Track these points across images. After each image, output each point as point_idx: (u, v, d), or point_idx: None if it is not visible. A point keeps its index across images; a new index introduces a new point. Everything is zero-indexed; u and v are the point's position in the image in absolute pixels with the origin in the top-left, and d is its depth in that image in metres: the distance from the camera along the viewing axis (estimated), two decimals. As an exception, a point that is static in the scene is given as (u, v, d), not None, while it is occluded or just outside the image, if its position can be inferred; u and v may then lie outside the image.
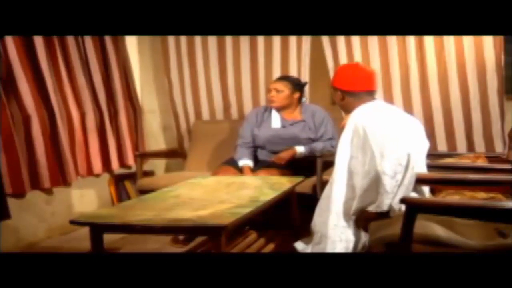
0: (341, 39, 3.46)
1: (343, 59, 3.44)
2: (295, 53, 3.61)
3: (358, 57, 3.42)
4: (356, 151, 2.09)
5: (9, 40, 2.86)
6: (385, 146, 1.97)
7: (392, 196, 1.94)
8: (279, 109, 3.15)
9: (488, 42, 3.15)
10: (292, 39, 3.63)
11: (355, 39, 3.42)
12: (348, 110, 2.30)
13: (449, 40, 3.24)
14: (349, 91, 2.27)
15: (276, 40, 3.66)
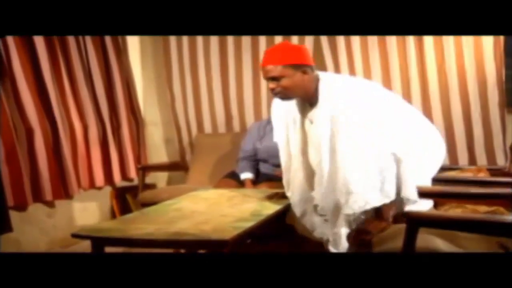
0: (341, 47, 3.47)
1: (344, 69, 3.46)
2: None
3: (359, 72, 3.44)
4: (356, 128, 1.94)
5: (13, 52, 2.88)
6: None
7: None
8: None
9: (489, 56, 3.17)
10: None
11: (356, 52, 3.44)
12: (306, 88, 2.07)
13: (450, 54, 3.26)
14: (309, 64, 2.07)
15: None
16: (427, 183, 2.02)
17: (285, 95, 2.09)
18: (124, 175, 3.75)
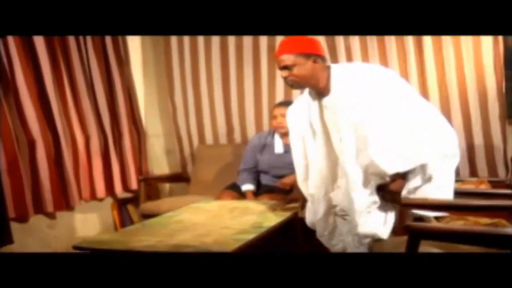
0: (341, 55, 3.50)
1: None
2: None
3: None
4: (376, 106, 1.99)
5: (16, 64, 2.90)
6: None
7: None
8: (286, 134, 3.15)
9: (489, 69, 3.19)
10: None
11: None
12: (317, 77, 2.11)
13: (450, 67, 3.28)
14: (321, 55, 2.12)
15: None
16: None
17: (297, 83, 2.14)
18: (126, 186, 3.75)
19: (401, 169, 2.01)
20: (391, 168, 1.99)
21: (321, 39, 3.51)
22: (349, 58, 3.48)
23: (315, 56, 2.10)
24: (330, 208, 2.26)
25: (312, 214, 2.29)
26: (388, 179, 2.04)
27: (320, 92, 2.16)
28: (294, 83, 2.14)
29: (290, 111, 2.36)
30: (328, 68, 2.14)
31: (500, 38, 3.17)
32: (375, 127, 2.00)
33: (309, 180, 2.29)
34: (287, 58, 2.08)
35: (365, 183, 2.05)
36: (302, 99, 2.29)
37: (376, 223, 2.08)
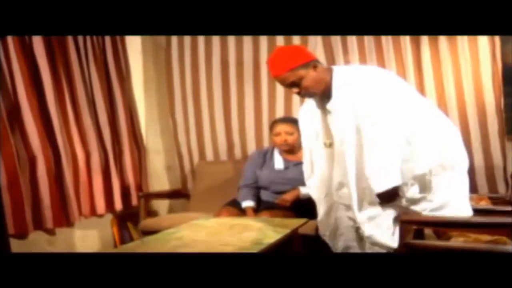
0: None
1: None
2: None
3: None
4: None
5: (19, 80, 2.92)
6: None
7: None
8: (288, 151, 3.16)
9: (488, 86, 3.21)
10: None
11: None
12: (324, 81, 2.13)
13: (449, 84, 3.30)
14: (314, 59, 2.14)
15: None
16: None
17: (311, 93, 2.16)
18: (126, 203, 3.75)
19: (389, 186, 2.01)
20: (380, 186, 2.01)
21: (318, 40, 3.57)
22: (346, 59, 3.52)
23: (311, 62, 2.11)
24: (330, 210, 2.28)
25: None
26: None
27: (322, 95, 2.17)
28: (308, 94, 2.16)
29: (301, 112, 2.40)
30: (331, 70, 2.16)
31: (499, 54, 3.20)
32: (372, 137, 2.01)
33: (311, 179, 2.32)
34: (290, 75, 2.08)
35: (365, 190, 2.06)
36: (311, 100, 2.31)
37: (385, 234, 2.07)
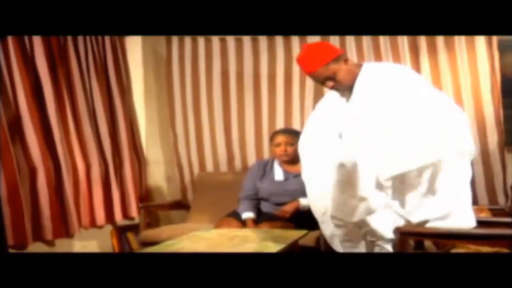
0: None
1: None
2: (298, 107, 3.70)
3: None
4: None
5: (20, 92, 2.93)
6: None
7: None
8: (288, 162, 3.16)
9: (487, 97, 3.23)
10: (296, 93, 3.72)
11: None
12: (351, 79, 2.15)
13: (449, 96, 3.31)
14: (343, 53, 2.18)
15: (280, 93, 3.77)
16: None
17: (344, 87, 2.17)
18: (125, 214, 3.74)
19: (397, 171, 1.99)
20: (384, 172, 1.99)
21: (317, 40, 3.60)
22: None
23: (341, 56, 2.15)
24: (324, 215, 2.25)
25: None
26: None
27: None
28: (342, 88, 2.17)
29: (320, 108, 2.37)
30: (361, 65, 2.20)
31: (497, 66, 3.22)
32: (388, 130, 2.01)
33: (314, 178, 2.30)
34: (324, 70, 2.11)
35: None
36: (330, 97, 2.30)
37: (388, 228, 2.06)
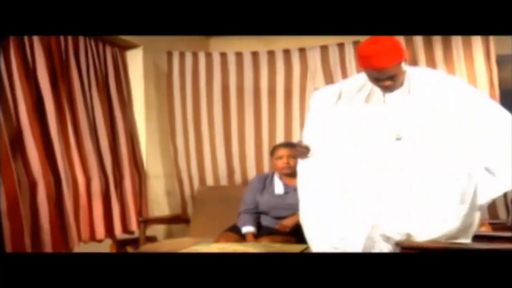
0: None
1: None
2: (298, 120, 3.71)
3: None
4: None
5: (22, 106, 2.94)
6: None
7: None
8: (290, 175, 3.17)
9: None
10: (296, 106, 3.74)
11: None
12: (403, 82, 2.11)
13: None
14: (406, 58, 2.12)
15: (280, 107, 3.79)
16: None
17: (396, 88, 2.12)
18: (125, 228, 3.73)
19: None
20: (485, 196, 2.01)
21: (317, 53, 3.63)
22: (344, 73, 3.58)
23: (405, 61, 2.11)
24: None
25: None
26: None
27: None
28: (395, 88, 2.12)
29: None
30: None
31: (496, 80, 3.24)
32: (445, 133, 2.00)
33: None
34: (396, 68, 2.03)
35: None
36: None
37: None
